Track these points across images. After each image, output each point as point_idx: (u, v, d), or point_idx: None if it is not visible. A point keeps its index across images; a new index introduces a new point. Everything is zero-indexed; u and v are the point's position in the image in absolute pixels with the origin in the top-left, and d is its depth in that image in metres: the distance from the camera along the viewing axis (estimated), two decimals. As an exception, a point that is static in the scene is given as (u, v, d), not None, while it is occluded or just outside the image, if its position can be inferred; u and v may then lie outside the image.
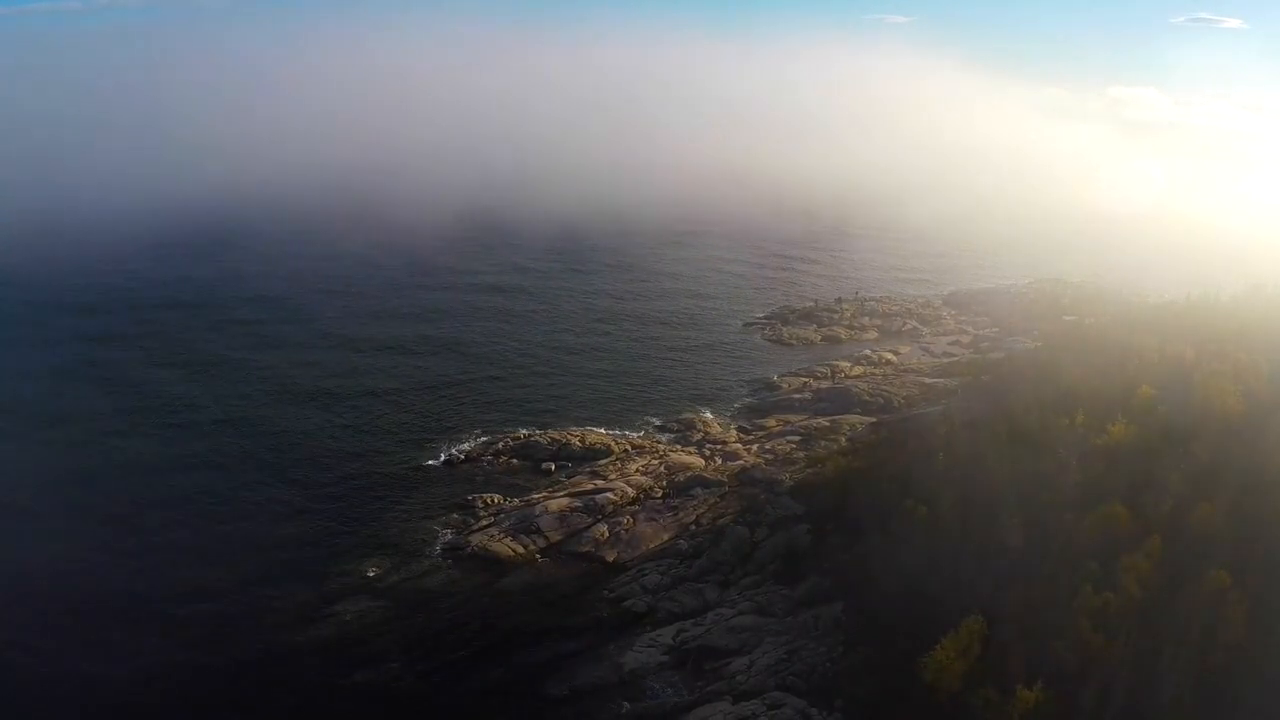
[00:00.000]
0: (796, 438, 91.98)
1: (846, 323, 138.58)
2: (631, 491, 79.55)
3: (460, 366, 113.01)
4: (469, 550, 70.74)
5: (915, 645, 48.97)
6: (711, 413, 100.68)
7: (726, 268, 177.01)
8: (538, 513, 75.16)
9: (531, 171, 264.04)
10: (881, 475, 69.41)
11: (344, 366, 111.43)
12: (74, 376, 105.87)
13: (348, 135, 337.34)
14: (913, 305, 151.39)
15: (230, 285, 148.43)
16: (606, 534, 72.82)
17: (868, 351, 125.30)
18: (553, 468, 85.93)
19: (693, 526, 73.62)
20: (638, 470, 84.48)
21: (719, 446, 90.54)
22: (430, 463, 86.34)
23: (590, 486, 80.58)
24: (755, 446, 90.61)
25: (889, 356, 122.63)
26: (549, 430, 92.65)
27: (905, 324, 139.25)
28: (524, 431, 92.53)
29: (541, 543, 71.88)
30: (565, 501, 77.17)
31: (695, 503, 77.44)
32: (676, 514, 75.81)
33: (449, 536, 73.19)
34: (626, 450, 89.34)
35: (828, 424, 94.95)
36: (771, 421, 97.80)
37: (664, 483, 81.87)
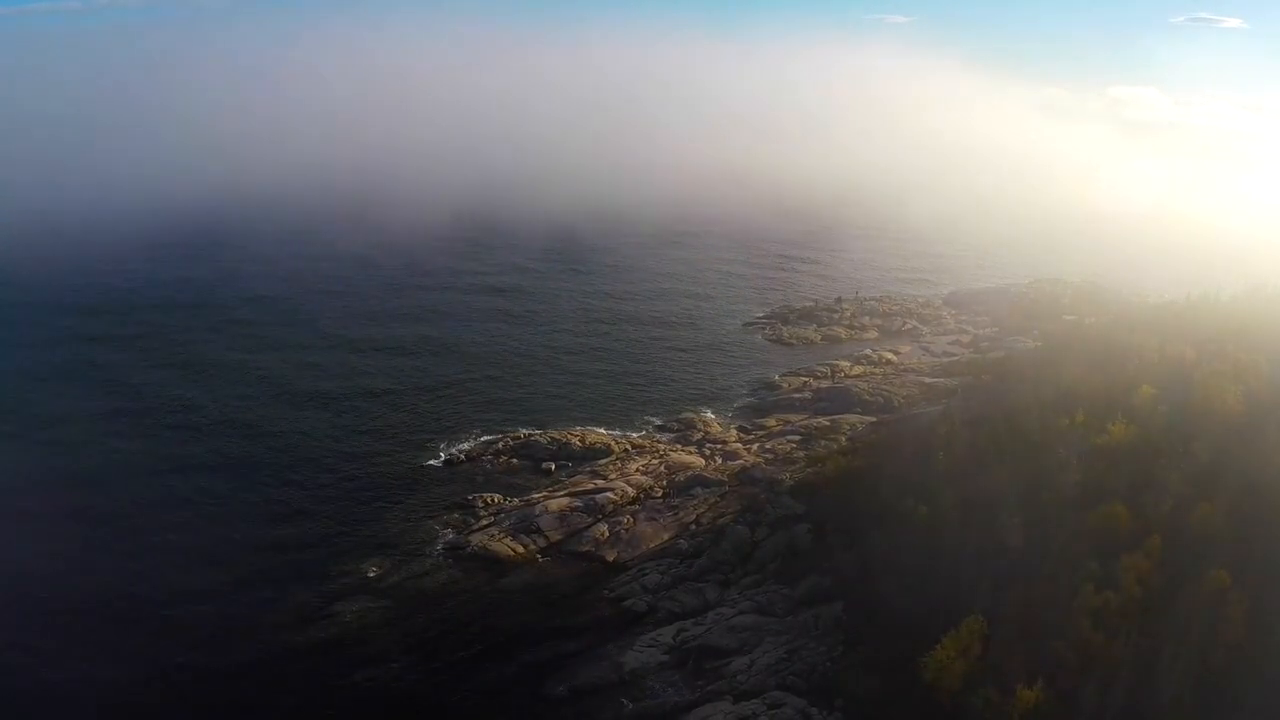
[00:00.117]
0: (797, 437, 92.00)
1: (846, 322, 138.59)
2: (632, 491, 79.57)
3: (460, 367, 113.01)
4: (469, 550, 70.75)
5: (915, 644, 48.97)
6: (712, 412, 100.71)
7: (726, 267, 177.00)
8: (538, 512, 75.17)
9: (531, 172, 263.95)
10: (881, 475, 69.42)
11: (343, 367, 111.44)
12: (73, 377, 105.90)
13: (347, 135, 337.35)
14: (913, 305, 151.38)
15: (230, 286, 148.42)
16: (607, 533, 72.83)
17: (868, 351, 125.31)
18: (553, 467, 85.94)
19: (693, 526, 73.63)
20: (638, 470, 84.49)
21: (719, 446, 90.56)
22: (430, 463, 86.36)
23: (590, 486, 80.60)
24: (755, 446, 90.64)
25: (889, 356, 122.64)
26: (549, 430, 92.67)
27: (905, 323, 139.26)
28: (524, 431, 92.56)
29: (542, 542, 71.89)
30: (565, 501, 77.18)
31: (695, 502, 77.45)
32: (677, 513, 75.82)
33: (449, 536, 73.21)
34: (626, 450, 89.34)
35: (828, 423, 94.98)
36: (772, 421, 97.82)
37: (664, 482, 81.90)
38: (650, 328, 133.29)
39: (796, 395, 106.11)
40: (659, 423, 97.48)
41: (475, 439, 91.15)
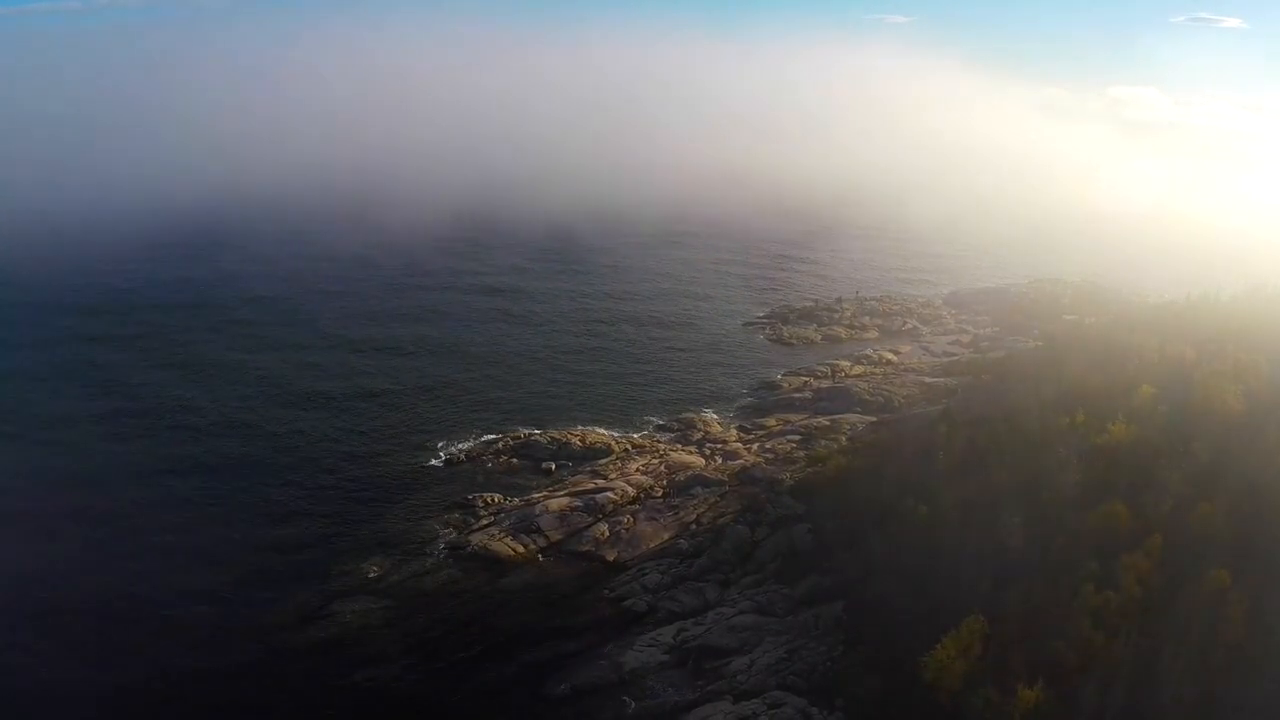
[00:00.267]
0: (797, 437, 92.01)
1: (847, 322, 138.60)
2: (632, 491, 79.58)
3: (460, 367, 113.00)
4: (469, 550, 70.74)
5: (916, 644, 48.99)
6: (712, 412, 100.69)
7: (726, 267, 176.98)
8: (538, 512, 75.17)
9: (531, 172, 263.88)
10: (882, 475, 69.49)
11: (343, 367, 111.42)
12: (73, 377, 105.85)
13: (347, 135, 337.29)
14: (913, 305, 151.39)
15: (230, 286, 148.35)
16: (607, 533, 72.83)
17: (868, 351, 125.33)
18: (553, 467, 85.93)
19: (693, 526, 73.64)
20: (638, 470, 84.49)
21: (719, 446, 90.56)
22: (430, 463, 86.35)
23: (590, 486, 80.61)
24: (755, 446, 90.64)
25: (889, 356, 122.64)
26: (549, 430, 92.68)
27: (905, 323, 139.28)
28: (524, 431, 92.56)
29: (542, 542, 71.89)
30: (565, 501, 77.18)
31: (695, 502, 77.45)
32: (677, 513, 75.82)
33: (450, 536, 73.21)
34: (627, 450, 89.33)
35: (828, 423, 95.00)
36: (772, 421, 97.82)
37: (664, 482, 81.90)
38: (650, 328, 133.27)
39: (797, 395, 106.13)
40: (659, 422, 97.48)
41: (475, 439, 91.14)
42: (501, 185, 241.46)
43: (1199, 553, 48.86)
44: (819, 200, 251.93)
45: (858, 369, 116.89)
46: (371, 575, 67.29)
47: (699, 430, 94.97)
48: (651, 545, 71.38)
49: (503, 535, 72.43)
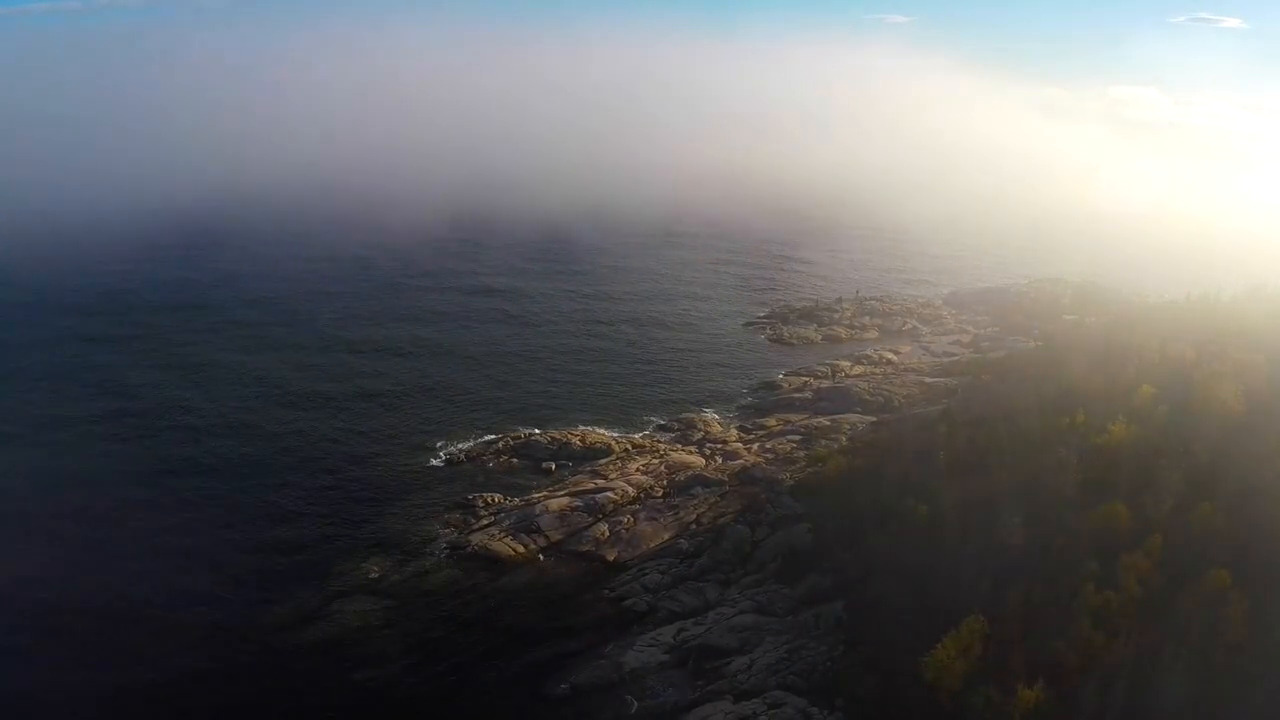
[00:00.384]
0: (797, 437, 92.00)
1: (847, 322, 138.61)
2: (632, 491, 79.58)
3: (460, 367, 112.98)
4: (470, 550, 70.72)
5: (916, 644, 48.96)
6: (712, 412, 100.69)
7: (726, 268, 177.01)
8: (538, 512, 75.17)
9: (530, 172, 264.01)
10: (882, 475, 69.47)
11: (343, 368, 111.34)
12: (72, 378, 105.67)
13: (347, 136, 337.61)
14: (913, 305, 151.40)
15: (229, 286, 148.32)
16: (607, 533, 72.83)
17: (868, 351, 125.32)
18: (553, 467, 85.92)
19: (693, 526, 73.62)
20: (638, 469, 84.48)
21: (719, 446, 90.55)
22: (431, 463, 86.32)
23: (591, 486, 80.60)
24: (756, 446, 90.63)
25: (889, 356, 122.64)
26: (549, 430, 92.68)
27: (905, 323, 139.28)
28: (524, 431, 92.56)
29: (542, 542, 71.88)
30: (566, 501, 77.18)
31: (696, 502, 77.44)
32: (677, 513, 75.82)
33: (450, 536, 73.18)
34: (627, 449, 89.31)
35: (828, 423, 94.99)
36: (772, 421, 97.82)
37: (664, 482, 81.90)
38: (650, 328, 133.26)
39: (797, 395, 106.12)
40: (659, 422, 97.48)
41: (475, 439, 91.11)
42: (501, 185, 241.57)
43: (1199, 553, 48.90)
44: (819, 200, 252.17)
45: (858, 369, 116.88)
46: (372, 575, 67.26)
47: (699, 430, 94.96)
48: (652, 545, 71.37)
49: (503, 535, 72.43)
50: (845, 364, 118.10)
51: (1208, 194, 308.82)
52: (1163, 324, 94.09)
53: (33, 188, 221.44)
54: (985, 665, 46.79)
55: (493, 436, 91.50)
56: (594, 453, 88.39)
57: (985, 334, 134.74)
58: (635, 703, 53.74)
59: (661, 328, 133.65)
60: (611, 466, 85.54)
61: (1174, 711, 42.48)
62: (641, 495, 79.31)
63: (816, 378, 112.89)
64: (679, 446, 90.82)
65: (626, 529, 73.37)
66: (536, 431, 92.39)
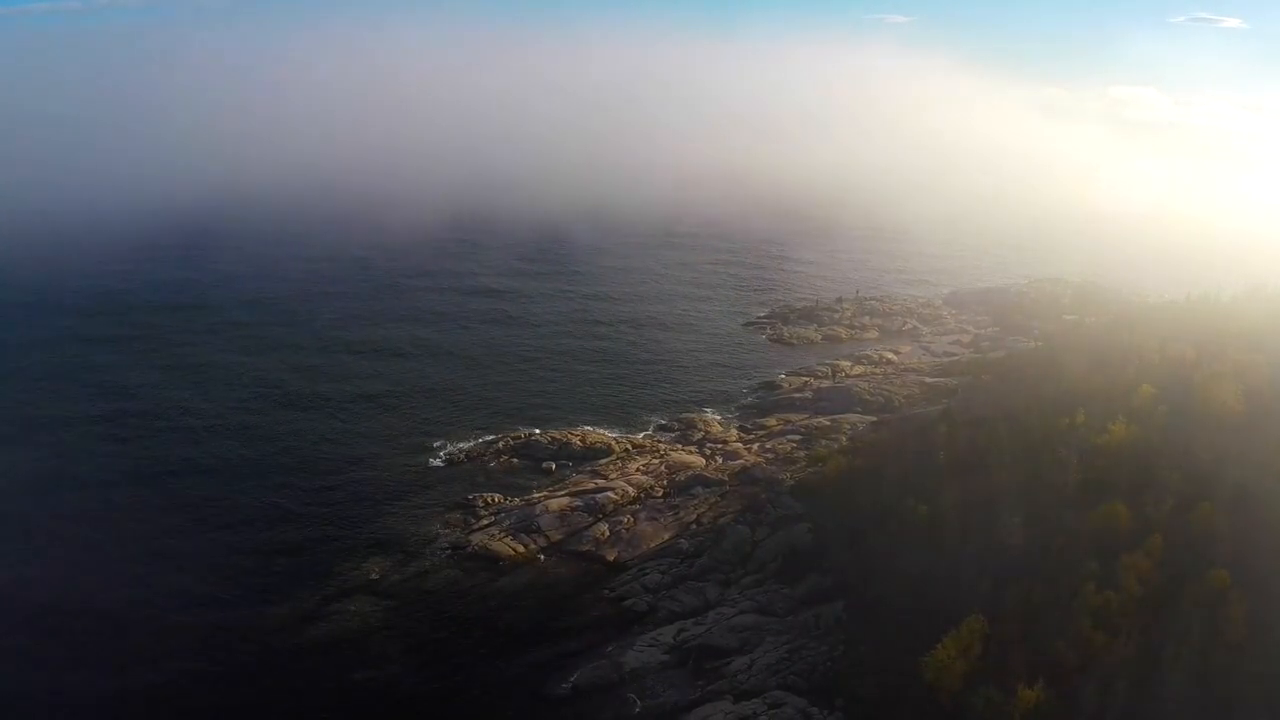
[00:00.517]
0: (797, 437, 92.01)
1: (847, 322, 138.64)
2: (632, 491, 79.58)
3: (459, 368, 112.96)
4: (470, 550, 70.71)
5: (916, 644, 49.01)
6: (712, 412, 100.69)
7: (726, 268, 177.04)
8: (538, 512, 75.17)
9: (529, 172, 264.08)
10: (882, 475, 69.49)
11: (342, 369, 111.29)
12: (71, 379, 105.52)
13: (346, 136, 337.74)
14: (913, 305, 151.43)
15: (228, 287, 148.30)
16: (607, 533, 72.83)
17: (868, 351, 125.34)
18: (553, 467, 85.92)
19: (693, 526, 73.62)
20: (638, 469, 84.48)
21: (720, 446, 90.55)
22: (431, 463, 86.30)
23: (591, 486, 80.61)
24: (756, 446, 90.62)
25: (890, 356, 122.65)
26: (549, 430, 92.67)
27: (906, 323, 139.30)
28: (524, 431, 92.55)
29: (542, 542, 71.87)
30: (566, 501, 77.18)
31: (696, 502, 77.44)
32: (677, 513, 75.81)
33: (450, 536, 73.13)
34: (627, 449, 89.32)
35: (829, 423, 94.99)
36: (772, 421, 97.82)
37: (665, 482, 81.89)
38: (650, 328, 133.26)
39: (797, 395, 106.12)
40: (660, 422, 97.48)
41: (476, 439, 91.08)
42: (500, 185, 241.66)
43: (1200, 552, 48.93)
44: (819, 200, 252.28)
45: (858, 369, 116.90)
46: (372, 576, 67.21)
47: (699, 430, 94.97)
48: (652, 545, 71.37)
49: (503, 535, 72.43)
50: (845, 364, 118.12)
51: (1208, 194, 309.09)
52: (1163, 324, 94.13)
53: (33, 188, 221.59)
54: (985, 665, 46.81)
55: (493, 436, 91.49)
56: (594, 453, 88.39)
57: (985, 334, 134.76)
58: (639, 702, 53.71)
59: (662, 328, 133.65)
60: (612, 466, 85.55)
61: (1174, 711, 42.52)
62: (642, 495, 79.31)
63: (817, 378, 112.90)
64: (679, 446, 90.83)
65: (627, 529, 73.37)
66: (537, 431, 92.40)
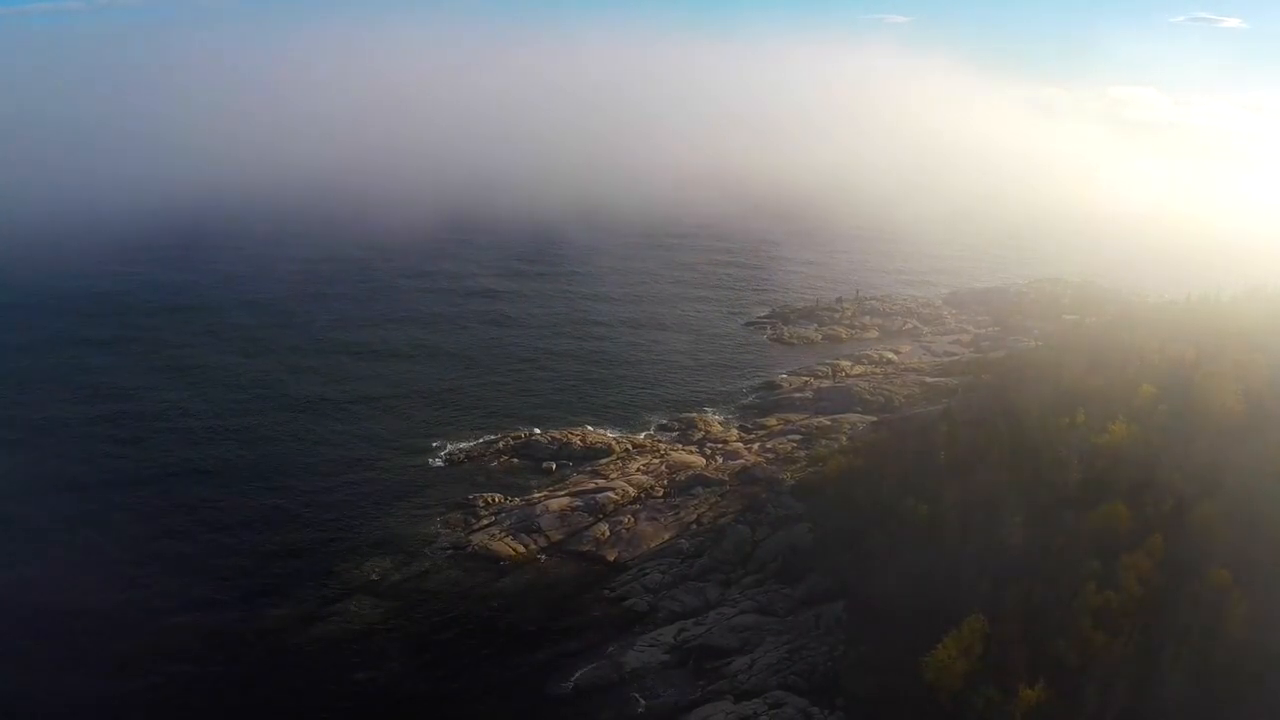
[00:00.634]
0: (798, 437, 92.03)
1: (847, 322, 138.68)
2: (632, 490, 79.58)
3: (459, 369, 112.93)
4: (470, 550, 70.72)
5: (916, 644, 48.98)
6: (713, 412, 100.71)
7: (726, 268, 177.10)
8: (539, 512, 75.18)
9: (529, 172, 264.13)
10: (882, 474, 69.48)
11: (342, 371, 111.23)
12: (69, 381, 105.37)
13: (346, 136, 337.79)
14: (913, 304, 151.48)
15: (227, 288, 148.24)
16: (607, 533, 72.84)
17: (869, 351, 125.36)
18: (553, 467, 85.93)
19: (694, 525, 73.63)
20: (638, 469, 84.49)
21: (720, 445, 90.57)
22: (431, 463, 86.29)
23: (591, 486, 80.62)
24: (756, 445, 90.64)
25: (890, 355, 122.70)
26: (550, 430, 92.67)
27: (906, 323, 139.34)
28: (524, 431, 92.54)
29: (542, 542, 71.89)
30: (566, 501, 77.19)
31: (696, 502, 77.45)
32: (677, 513, 75.82)
33: (451, 536, 73.11)
34: (627, 449, 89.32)
35: (829, 423, 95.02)
36: (772, 420, 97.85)
37: (665, 482, 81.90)
38: (650, 329, 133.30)
39: (797, 395, 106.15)
40: (660, 422, 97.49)
41: (476, 439, 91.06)
42: (500, 186, 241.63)
43: (1200, 551, 48.93)
44: (818, 200, 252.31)
45: (858, 369, 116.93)
46: (372, 576, 67.18)
47: (700, 430, 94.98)
48: (652, 545, 71.38)
49: (503, 535, 72.43)
50: (846, 364, 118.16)
51: (1207, 194, 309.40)
52: (1163, 324, 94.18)
53: (32, 188, 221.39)
54: (986, 665, 46.80)
55: (493, 436, 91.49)
56: (594, 452, 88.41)
57: (985, 334, 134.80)
58: (642, 702, 53.70)
59: (661, 328, 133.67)
60: (612, 466, 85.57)
61: (1174, 711, 42.53)
62: (642, 495, 79.32)
63: (817, 377, 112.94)
64: (679, 446, 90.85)
65: (627, 529, 73.38)
66: (537, 431, 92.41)
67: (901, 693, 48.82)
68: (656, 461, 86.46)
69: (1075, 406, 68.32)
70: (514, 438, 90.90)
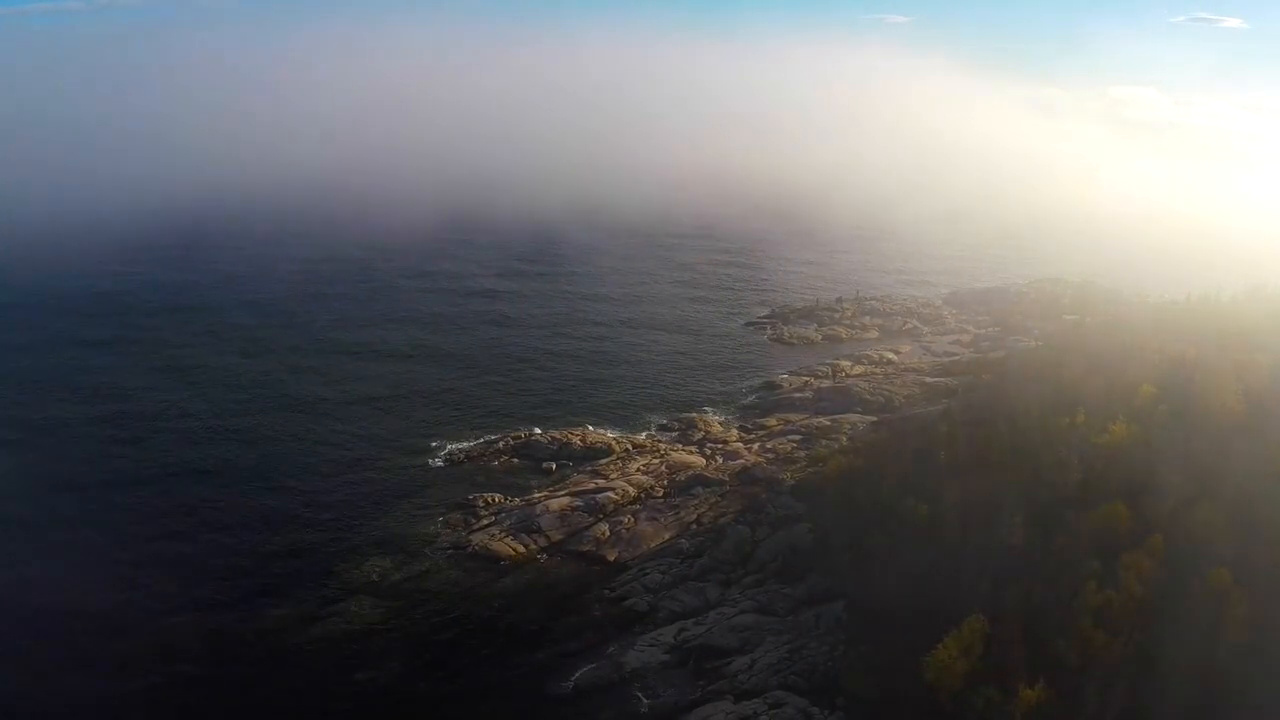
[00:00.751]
0: (798, 437, 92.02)
1: (847, 322, 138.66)
2: (632, 490, 79.58)
3: (459, 369, 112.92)
4: (470, 550, 70.72)
5: (917, 644, 48.98)
6: (713, 412, 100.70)
7: (726, 268, 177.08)
8: (539, 512, 75.18)
9: (529, 172, 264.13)
10: (882, 474, 69.45)
11: (341, 371, 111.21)
12: (69, 381, 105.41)
13: (346, 136, 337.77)
14: (913, 304, 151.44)
15: (227, 288, 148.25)
16: (607, 533, 72.83)
17: (869, 351, 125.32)
18: (553, 467, 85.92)
19: (694, 525, 73.63)
20: (639, 469, 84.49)
21: (720, 446, 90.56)
22: (431, 463, 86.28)
23: (591, 486, 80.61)
24: (756, 445, 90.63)
25: (890, 355, 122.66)
26: (550, 430, 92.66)
27: (906, 323, 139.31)
28: (525, 431, 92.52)
29: (542, 542, 71.89)
30: (566, 500, 77.19)
31: (696, 502, 77.45)
32: (677, 513, 75.82)
33: (451, 536, 73.11)
34: (627, 449, 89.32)
35: (829, 423, 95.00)
36: (772, 420, 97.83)
37: (665, 482, 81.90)
38: (650, 329, 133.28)
39: (797, 395, 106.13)
40: (660, 422, 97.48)
41: (476, 439, 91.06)
42: (500, 185, 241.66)
43: (1200, 551, 48.90)
44: (818, 200, 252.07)
45: (858, 369, 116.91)
46: (373, 576, 67.19)
47: (700, 430, 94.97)
48: (652, 545, 71.38)
49: (504, 535, 72.44)
50: (846, 364, 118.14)
51: (1208, 194, 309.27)
52: (1163, 324, 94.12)
53: (32, 188, 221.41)
54: (986, 665, 46.80)
55: (493, 436, 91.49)
56: (594, 452, 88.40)
57: (985, 334, 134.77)
58: (646, 702, 53.68)
59: (661, 328, 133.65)
60: (612, 466, 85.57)
61: (1174, 711, 42.52)
62: (642, 495, 79.32)
63: (817, 377, 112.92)
64: (679, 446, 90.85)
65: (627, 529, 73.38)
66: (537, 431, 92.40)
67: (901, 693, 48.84)
68: (656, 461, 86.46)
69: (1075, 406, 68.27)
70: (514, 438, 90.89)
